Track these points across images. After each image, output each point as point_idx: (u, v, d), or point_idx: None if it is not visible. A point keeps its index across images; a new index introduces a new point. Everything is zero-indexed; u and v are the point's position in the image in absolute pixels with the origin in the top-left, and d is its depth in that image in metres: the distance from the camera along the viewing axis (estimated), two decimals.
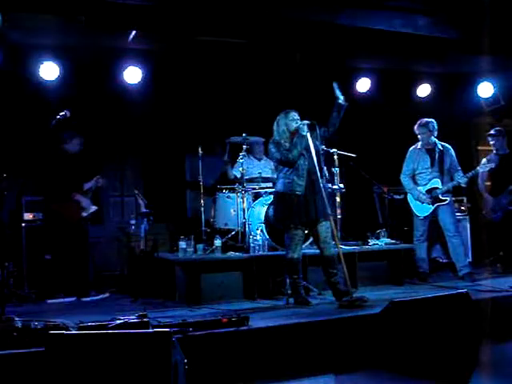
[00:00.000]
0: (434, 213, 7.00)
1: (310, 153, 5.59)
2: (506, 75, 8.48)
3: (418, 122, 7.05)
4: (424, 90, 8.72)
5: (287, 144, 5.71)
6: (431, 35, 7.07)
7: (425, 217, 7.06)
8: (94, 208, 6.80)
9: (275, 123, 5.83)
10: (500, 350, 4.95)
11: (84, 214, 6.64)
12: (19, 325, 4.26)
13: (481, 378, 4.30)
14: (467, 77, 8.72)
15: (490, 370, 4.46)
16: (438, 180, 6.96)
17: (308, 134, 5.62)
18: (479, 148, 9.35)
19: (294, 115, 5.77)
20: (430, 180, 7.01)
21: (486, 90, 8.68)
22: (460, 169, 7.02)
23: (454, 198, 7.33)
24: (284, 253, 5.87)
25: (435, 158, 7.00)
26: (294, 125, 5.72)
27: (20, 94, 6.97)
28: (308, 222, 5.71)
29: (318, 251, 5.84)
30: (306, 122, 5.66)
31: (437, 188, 6.95)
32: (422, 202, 7.01)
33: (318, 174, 5.57)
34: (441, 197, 6.92)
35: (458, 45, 7.36)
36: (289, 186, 5.68)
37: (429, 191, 6.98)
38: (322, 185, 5.60)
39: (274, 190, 6.04)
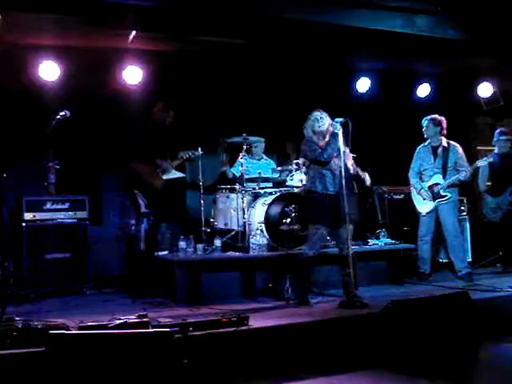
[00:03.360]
0: (437, 212, 6.99)
1: (340, 152, 5.57)
2: (506, 75, 8.47)
3: (424, 117, 7.11)
4: (424, 90, 8.72)
5: (318, 143, 5.72)
6: (431, 35, 7.07)
7: (427, 213, 7.06)
8: (178, 174, 7.13)
9: (305, 123, 5.86)
10: (499, 349, 4.96)
11: (164, 177, 7.01)
12: (19, 325, 4.26)
13: (480, 377, 4.31)
14: (467, 77, 8.72)
15: (489, 369, 4.46)
16: (440, 176, 6.97)
17: (340, 132, 5.62)
18: (479, 148, 9.35)
19: (317, 115, 5.77)
20: (431, 176, 7.02)
21: (485, 89, 8.69)
22: (464, 166, 6.97)
23: (458, 198, 7.25)
24: (284, 252, 5.90)
25: (438, 155, 7.02)
26: (316, 125, 5.73)
27: (20, 94, 6.97)
28: (332, 222, 5.71)
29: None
30: (340, 119, 5.65)
31: (438, 184, 6.96)
32: (424, 198, 7.03)
33: (344, 174, 5.53)
34: (441, 192, 6.92)
35: (457, 45, 7.36)
36: (320, 185, 5.70)
37: (430, 187, 6.99)
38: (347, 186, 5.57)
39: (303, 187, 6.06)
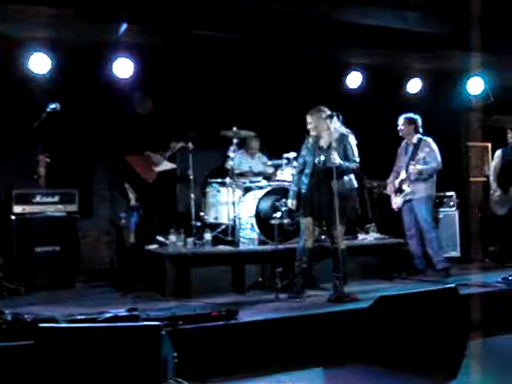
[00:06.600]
0: (410, 208, 7.00)
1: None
2: (496, 71, 8.50)
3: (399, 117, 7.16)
4: (414, 86, 8.72)
5: None
6: (422, 31, 7.09)
7: (398, 208, 7.09)
8: (170, 165, 7.26)
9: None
10: (487, 343, 5.00)
11: (157, 169, 7.14)
12: (9, 318, 4.25)
13: (468, 371, 4.34)
14: (457, 73, 8.74)
15: (477, 363, 4.50)
16: (404, 172, 7.00)
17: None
18: (468, 144, 9.38)
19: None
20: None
21: (475, 86, 8.71)
22: (430, 161, 6.86)
23: (434, 194, 7.17)
24: (274, 247, 5.93)
25: (408, 152, 7.06)
26: None
27: (10, 86, 6.93)
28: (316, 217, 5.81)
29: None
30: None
31: (402, 179, 7.01)
32: (395, 195, 7.11)
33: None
34: (402, 187, 6.96)
35: (448, 41, 7.38)
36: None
37: (399, 183, 7.05)
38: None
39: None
